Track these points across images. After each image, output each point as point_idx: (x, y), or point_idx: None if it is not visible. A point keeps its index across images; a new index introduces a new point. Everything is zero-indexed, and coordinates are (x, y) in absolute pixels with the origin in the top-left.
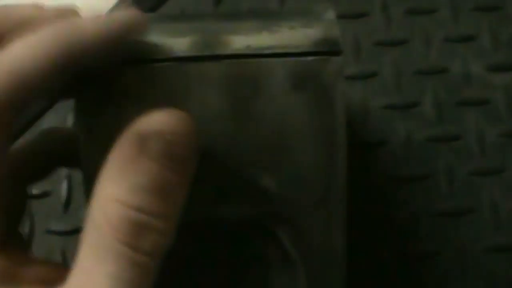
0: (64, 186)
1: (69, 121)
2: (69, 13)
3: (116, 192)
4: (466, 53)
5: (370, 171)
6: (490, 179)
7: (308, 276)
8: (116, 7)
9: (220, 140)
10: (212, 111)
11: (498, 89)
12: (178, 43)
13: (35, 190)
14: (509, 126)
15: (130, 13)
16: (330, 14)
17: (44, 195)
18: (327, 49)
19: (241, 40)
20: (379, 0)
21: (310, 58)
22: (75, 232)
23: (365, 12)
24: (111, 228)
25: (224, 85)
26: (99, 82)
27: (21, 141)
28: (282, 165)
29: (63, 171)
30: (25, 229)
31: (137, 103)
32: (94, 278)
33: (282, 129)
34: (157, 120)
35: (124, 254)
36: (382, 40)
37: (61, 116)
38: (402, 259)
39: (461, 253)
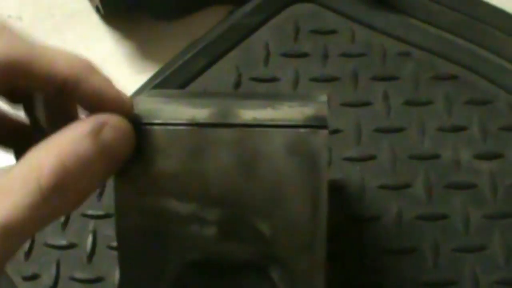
0: (89, 239)
1: None
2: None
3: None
4: (456, 142)
5: (364, 243)
6: (472, 256)
7: None
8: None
9: (228, 191)
10: (223, 167)
11: (484, 175)
12: (200, 112)
13: (63, 241)
14: (493, 209)
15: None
16: (323, 98)
17: (70, 246)
18: (316, 123)
19: (249, 113)
20: (381, 91)
21: (302, 130)
22: (97, 281)
23: (368, 101)
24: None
25: (233, 148)
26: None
27: None
28: (276, 214)
29: (89, 225)
30: (51, 275)
31: (162, 157)
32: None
33: (278, 185)
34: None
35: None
36: (381, 127)
37: None
38: None
39: None
